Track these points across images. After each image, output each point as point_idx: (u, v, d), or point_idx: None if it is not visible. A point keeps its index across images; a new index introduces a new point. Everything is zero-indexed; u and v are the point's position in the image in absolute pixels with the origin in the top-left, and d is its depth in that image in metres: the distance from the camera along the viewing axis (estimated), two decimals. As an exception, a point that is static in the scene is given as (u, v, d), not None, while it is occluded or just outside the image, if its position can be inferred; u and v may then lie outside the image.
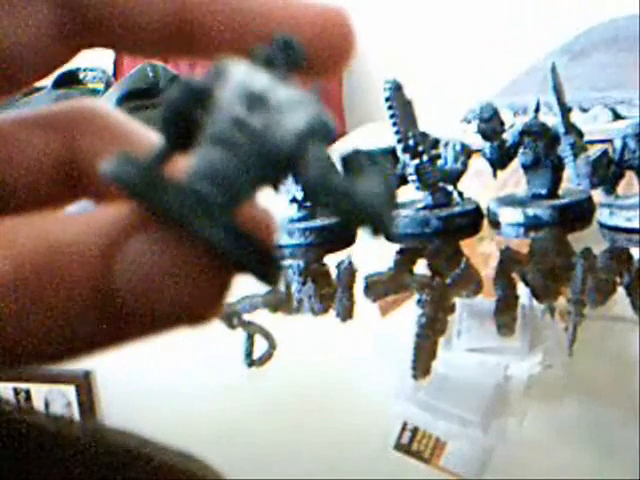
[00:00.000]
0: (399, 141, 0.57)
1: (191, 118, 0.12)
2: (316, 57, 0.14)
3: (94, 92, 1.13)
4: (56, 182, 0.16)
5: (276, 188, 0.12)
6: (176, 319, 0.12)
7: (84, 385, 0.33)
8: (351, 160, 0.12)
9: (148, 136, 0.16)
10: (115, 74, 1.18)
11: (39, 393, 0.33)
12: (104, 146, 0.16)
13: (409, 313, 0.43)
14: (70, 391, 0.33)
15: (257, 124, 0.11)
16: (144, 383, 0.35)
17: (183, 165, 0.12)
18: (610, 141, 0.53)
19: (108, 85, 1.14)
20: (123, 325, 0.12)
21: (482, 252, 0.54)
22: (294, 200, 0.58)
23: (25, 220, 0.12)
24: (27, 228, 0.12)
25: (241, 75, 0.12)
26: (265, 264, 0.12)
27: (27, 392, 0.33)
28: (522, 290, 0.45)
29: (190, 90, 0.12)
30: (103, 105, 0.17)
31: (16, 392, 0.33)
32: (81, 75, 1.18)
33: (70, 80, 1.15)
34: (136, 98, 0.99)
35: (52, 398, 0.33)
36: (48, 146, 0.16)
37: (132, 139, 0.16)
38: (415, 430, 0.26)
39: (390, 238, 0.13)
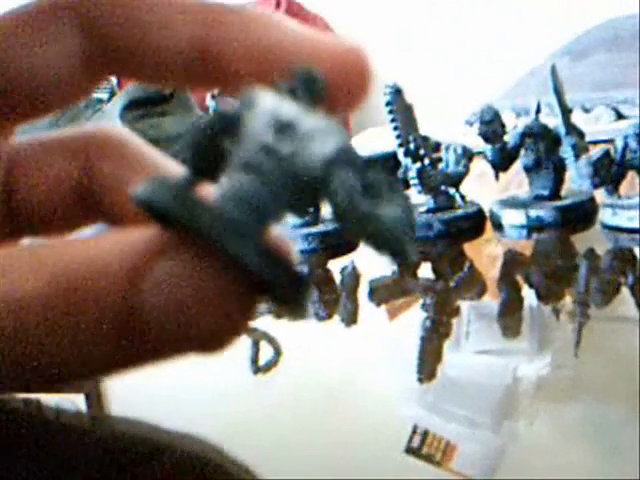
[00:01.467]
0: (400, 145, 0.58)
1: (219, 146, 0.12)
2: (334, 91, 0.14)
3: (99, 101, 1.13)
4: (73, 205, 0.17)
5: (305, 213, 0.12)
6: (199, 342, 0.12)
7: (94, 393, 0.33)
8: (369, 181, 0.12)
9: (165, 162, 0.17)
10: (119, 83, 1.19)
11: (49, 401, 0.33)
12: (121, 171, 0.17)
13: (417, 316, 0.43)
14: (80, 400, 0.33)
15: (285, 151, 0.11)
16: (153, 391, 0.35)
17: (209, 191, 0.12)
18: (613, 141, 0.53)
19: (113, 94, 1.14)
20: (147, 346, 0.12)
21: (488, 254, 0.55)
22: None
23: (56, 241, 0.12)
24: (57, 249, 0.12)
25: (269, 104, 0.12)
26: (295, 288, 0.12)
27: (38, 400, 0.33)
28: (530, 291, 0.45)
29: (220, 118, 0.12)
30: (120, 131, 0.17)
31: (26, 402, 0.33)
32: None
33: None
34: (141, 106, 1.00)
35: (62, 406, 0.33)
36: (66, 170, 0.17)
37: (149, 165, 0.17)
38: (425, 433, 0.26)
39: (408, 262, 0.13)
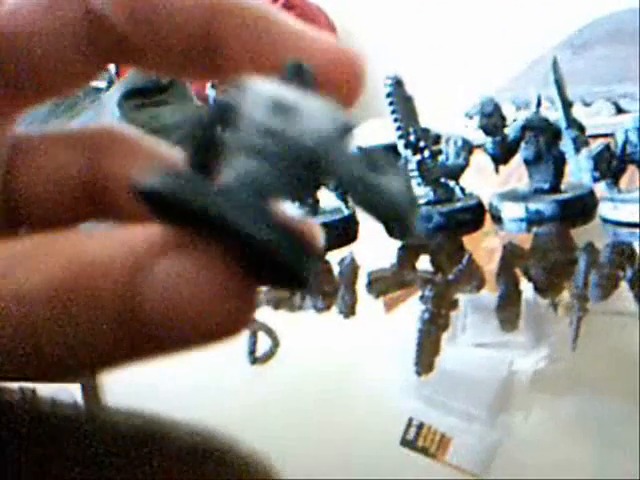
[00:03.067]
0: (400, 137, 0.57)
1: (217, 136, 0.12)
2: (325, 87, 0.14)
3: (97, 90, 1.13)
4: (78, 200, 0.17)
5: (309, 193, 0.12)
6: (200, 339, 0.12)
7: (90, 384, 0.33)
8: (370, 158, 0.12)
9: (171, 157, 0.17)
10: (118, 72, 1.18)
11: (45, 392, 0.34)
12: (125, 169, 0.17)
13: (414, 308, 0.43)
14: (76, 390, 0.33)
15: (286, 131, 0.12)
16: (149, 380, 0.35)
17: (214, 179, 0.12)
18: (613, 135, 0.53)
19: (111, 83, 1.14)
20: (148, 342, 0.12)
21: (487, 247, 0.55)
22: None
23: (58, 236, 0.12)
24: (60, 244, 0.12)
25: (265, 89, 0.12)
26: (303, 263, 0.12)
27: (33, 391, 0.33)
28: (527, 285, 0.45)
29: (218, 109, 0.12)
30: (126, 128, 0.17)
31: (22, 391, 0.34)
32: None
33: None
34: (139, 96, 1.00)
35: (58, 397, 0.33)
36: (69, 164, 0.17)
37: (154, 163, 0.17)
38: (421, 426, 0.26)
39: (411, 237, 0.13)
